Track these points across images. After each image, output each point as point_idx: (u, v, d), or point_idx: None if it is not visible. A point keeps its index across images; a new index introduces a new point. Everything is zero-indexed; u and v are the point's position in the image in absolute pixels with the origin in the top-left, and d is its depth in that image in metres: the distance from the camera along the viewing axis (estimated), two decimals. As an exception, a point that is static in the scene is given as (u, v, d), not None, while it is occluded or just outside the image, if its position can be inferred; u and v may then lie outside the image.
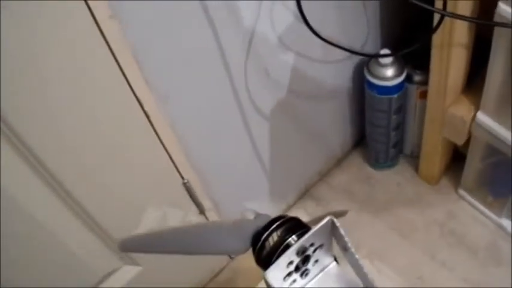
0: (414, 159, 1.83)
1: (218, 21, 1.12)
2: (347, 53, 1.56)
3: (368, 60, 1.56)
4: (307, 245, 0.56)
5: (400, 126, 1.69)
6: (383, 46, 1.56)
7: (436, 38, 1.33)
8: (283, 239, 0.57)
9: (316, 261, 0.58)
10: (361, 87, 1.63)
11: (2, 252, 1.03)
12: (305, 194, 1.81)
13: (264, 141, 1.48)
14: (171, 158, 1.24)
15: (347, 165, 1.87)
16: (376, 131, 1.68)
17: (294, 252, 0.55)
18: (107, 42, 0.94)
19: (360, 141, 1.89)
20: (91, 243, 1.22)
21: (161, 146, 1.19)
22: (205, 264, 1.63)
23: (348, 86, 1.67)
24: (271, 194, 1.67)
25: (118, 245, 0.74)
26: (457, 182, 1.75)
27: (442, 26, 1.20)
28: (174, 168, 1.26)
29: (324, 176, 1.84)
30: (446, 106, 1.49)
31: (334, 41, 1.35)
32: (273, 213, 1.70)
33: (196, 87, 1.20)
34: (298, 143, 1.62)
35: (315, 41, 1.37)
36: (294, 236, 0.57)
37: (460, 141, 1.54)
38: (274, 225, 0.58)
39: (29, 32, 0.83)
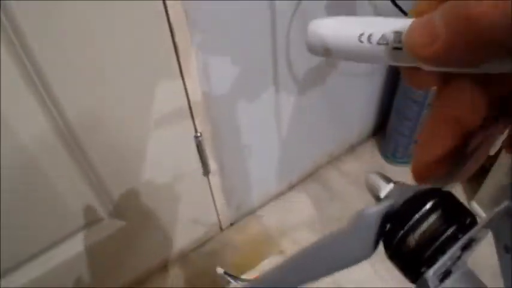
0: (431, 161, 1.70)
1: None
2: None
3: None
4: (476, 236, 0.40)
5: (428, 123, 1.56)
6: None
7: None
8: (446, 226, 0.40)
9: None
10: (397, 71, 1.49)
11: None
12: (311, 175, 1.67)
13: (288, 107, 1.34)
14: (189, 104, 1.07)
15: (360, 153, 1.73)
16: (403, 122, 1.55)
17: (460, 246, 0.39)
18: None
19: (379, 130, 1.75)
20: (80, 188, 1.06)
21: (183, 88, 1.03)
22: (192, 232, 1.48)
23: (384, 68, 1.53)
24: (278, 168, 1.52)
25: None
26: (471, 193, 1.63)
27: None
28: (190, 117, 1.10)
29: (334, 159, 1.70)
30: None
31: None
32: (273, 191, 1.59)
33: (236, 31, 1.04)
34: (319, 117, 1.48)
35: (364, 12, 1.25)
36: (455, 225, 0.40)
37: (492, 151, 1.42)
38: (428, 204, 0.40)
39: None
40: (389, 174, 1.38)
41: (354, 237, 0.42)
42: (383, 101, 1.64)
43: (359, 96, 1.56)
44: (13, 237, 1.01)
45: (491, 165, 1.48)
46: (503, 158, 1.41)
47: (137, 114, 1.01)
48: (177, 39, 0.94)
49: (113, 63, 0.89)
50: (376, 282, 1.45)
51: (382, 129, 1.70)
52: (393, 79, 1.55)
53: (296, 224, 1.56)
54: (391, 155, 1.68)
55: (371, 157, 1.72)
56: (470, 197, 1.64)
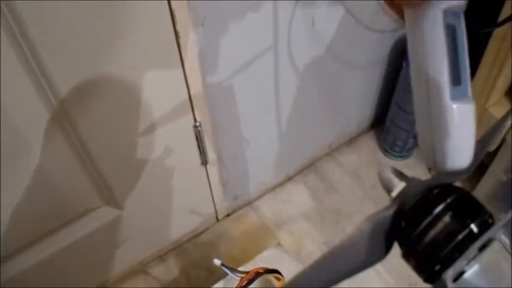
0: (429, 155, 1.69)
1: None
2: (392, 25, 1.41)
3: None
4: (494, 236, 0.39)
5: (427, 117, 1.55)
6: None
7: (501, 29, 1.20)
8: (463, 225, 0.38)
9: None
10: (398, 64, 1.48)
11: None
12: (309, 166, 1.66)
13: (287, 97, 1.33)
14: (189, 93, 1.06)
15: (359, 146, 1.72)
16: (402, 115, 1.53)
17: (479, 245, 0.38)
18: None
19: (378, 123, 1.74)
20: (76, 176, 1.05)
21: (183, 76, 1.02)
22: (188, 222, 1.47)
23: (384, 60, 1.51)
24: (276, 160, 1.51)
25: None
26: (470, 189, 1.62)
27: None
28: (190, 106, 1.09)
29: (333, 151, 1.69)
30: (486, 106, 1.36)
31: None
32: (270, 182, 1.58)
33: (237, 18, 1.03)
34: (318, 108, 1.47)
35: (366, 2, 1.23)
36: (474, 223, 0.39)
37: (492, 147, 1.41)
38: (445, 203, 0.39)
39: None
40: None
41: (362, 244, 0.41)
42: (383, 93, 1.63)
43: (359, 88, 1.55)
44: (6, 226, 1.00)
45: (490, 161, 1.48)
46: (502, 154, 1.40)
47: (136, 102, 1.00)
48: (178, 27, 0.92)
49: (113, 48, 0.88)
50: (374, 282, 1.44)
51: (382, 122, 1.69)
52: (393, 71, 1.53)
53: (293, 215, 1.55)
54: (389, 148, 1.67)
55: (369, 150, 1.71)
56: (467, 192, 1.63)
